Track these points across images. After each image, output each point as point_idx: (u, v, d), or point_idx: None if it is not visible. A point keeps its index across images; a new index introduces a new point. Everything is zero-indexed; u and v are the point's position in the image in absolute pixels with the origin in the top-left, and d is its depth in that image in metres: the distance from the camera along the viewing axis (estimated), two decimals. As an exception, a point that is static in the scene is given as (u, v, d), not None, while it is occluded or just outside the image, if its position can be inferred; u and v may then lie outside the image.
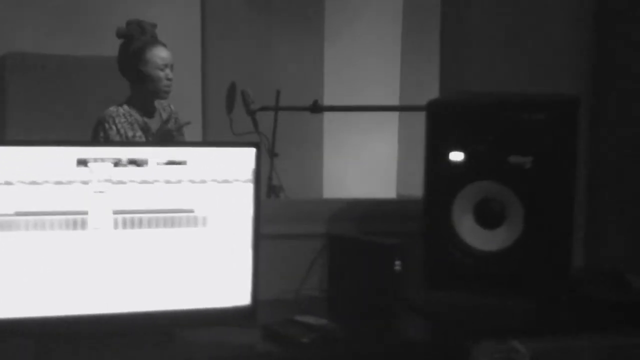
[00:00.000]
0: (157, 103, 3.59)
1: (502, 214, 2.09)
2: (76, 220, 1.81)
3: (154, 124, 3.55)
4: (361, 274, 2.16)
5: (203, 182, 1.91)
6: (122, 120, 3.43)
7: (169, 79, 3.52)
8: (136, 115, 3.48)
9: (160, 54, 3.52)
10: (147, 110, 3.55)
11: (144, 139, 3.46)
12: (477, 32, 2.60)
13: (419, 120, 2.15)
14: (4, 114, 4.20)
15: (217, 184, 1.92)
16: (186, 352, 1.85)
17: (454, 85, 2.62)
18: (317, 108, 3.19)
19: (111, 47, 3.57)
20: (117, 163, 1.83)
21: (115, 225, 1.84)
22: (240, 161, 1.93)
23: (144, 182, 1.86)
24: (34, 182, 1.77)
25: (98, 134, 3.40)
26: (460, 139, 2.09)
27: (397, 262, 2.10)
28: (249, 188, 1.94)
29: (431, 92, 2.57)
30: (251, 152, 1.94)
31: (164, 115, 3.58)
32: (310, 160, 4.66)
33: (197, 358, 1.85)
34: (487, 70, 2.59)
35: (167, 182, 1.88)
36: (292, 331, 1.92)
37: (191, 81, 4.15)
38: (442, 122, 2.12)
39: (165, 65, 3.51)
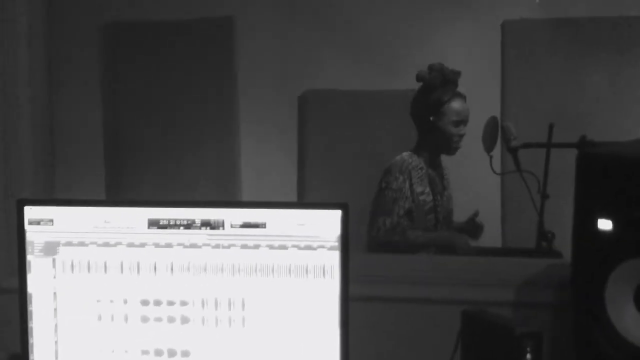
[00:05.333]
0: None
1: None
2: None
3: (438, 176, 3.40)
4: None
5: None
6: (416, 174, 3.32)
7: (460, 135, 3.34)
8: (425, 167, 3.35)
9: (457, 108, 3.34)
10: (433, 162, 3.39)
11: (431, 195, 3.30)
12: None
13: None
14: (305, 149, 4.31)
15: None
16: None
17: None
18: (584, 144, 2.76)
19: (405, 82, 3.50)
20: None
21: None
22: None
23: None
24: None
25: (390, 182, 3.26)
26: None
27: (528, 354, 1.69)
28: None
29: None
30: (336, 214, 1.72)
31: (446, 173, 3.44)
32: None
33: None
34: None
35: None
36: None
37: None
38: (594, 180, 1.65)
39: (460, 122, 3.34)
